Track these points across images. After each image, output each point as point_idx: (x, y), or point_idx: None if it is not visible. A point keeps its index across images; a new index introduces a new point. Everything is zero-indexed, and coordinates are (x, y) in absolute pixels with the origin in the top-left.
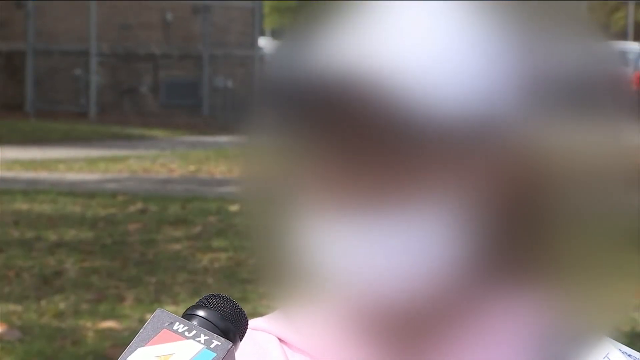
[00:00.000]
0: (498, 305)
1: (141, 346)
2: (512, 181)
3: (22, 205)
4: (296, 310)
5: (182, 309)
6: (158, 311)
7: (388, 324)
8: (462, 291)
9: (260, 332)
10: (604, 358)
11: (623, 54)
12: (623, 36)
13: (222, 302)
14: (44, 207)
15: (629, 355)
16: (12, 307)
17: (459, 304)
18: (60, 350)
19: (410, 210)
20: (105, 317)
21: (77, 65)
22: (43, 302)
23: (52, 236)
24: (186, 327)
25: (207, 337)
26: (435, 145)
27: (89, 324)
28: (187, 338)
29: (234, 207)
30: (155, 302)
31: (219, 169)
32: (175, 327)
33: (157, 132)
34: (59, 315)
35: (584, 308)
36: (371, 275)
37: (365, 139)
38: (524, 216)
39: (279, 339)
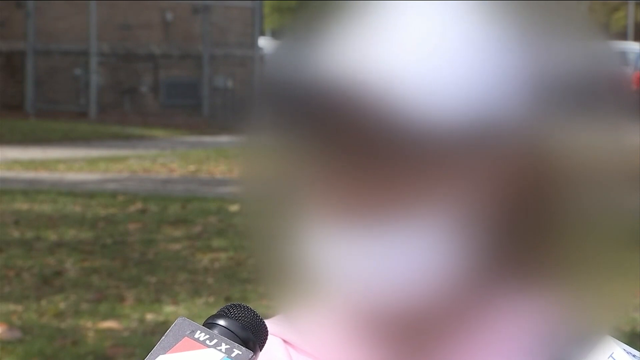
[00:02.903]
0: (501, 307)
1: (162, 354)
2: (514, 183)
3: (22, 205)
4: (297, 313)
5: (182, 309)
6: (180, 319)
7: (391, 328)
8: (466, 294)
9: None
10: (609, 358)
11: (623, 54)
12: (623, 36)
13: (242, 312)
14: (44, 207)
15: (634, 356)
16: (12, 307)
17: (462, 307)
18: (61, 350)
19: (415, 214)
20: (106, 317)
21: (77, 65)
22: (43, 302)
23: (52, 236)
24: (207, 336)
25: (228, 346)
26: (439, 149)
27: (89, 324)
28: (208, 346)
29: (234, 207)
30: (155, 302)
31: (219, 169)
32: (196, 336)
33: (157, 132)
34: (59, 315)
35: (585, 308)
36: (373, 279)
37: (366, 142)
38: (526, 218)
39: (285, 341)
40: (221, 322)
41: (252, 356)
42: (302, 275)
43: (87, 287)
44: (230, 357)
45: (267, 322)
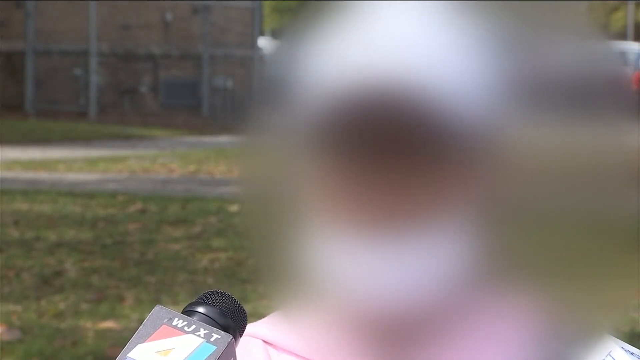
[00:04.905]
0: (498, 308)
1: (141, 342)
2: (513, 184)
3: (22, 205)
4: (295, 313)
5: (182, 309)
6: (157, 307)
7: (386, 331)
8: (462, 298)
9: (245, 336)
10: (607, 356)
11: (623, 54)
12: (623, 36)
13: (221, 298)
14: (44, 207)
15: (632, 354)
16: (12, 307)
17: (459, 310)
18: (60, 350)
19: (418, 217)
20: (105, 317)
21: (77, 65)
22: (43, 302)
23: (52, 236)
24: (185, 322)
25: (206, 331)
26: (440, 151)
27: (88, 324)
28: (187, 332)
29: (234, 207)
30: (155, 302)
31: (219, 169)
32: (174, 323)
33: (157, 132)
34: (59, 315)
35: (584, 308)
36: (371, 284)
37: (366, 143)
38: (525, 218)
39: (265, 342)
40: (200, 309)
41: (231, 339)
42: (303, 276)
43: (87, 287)
44: (210, 342)
45: (250, 325)
